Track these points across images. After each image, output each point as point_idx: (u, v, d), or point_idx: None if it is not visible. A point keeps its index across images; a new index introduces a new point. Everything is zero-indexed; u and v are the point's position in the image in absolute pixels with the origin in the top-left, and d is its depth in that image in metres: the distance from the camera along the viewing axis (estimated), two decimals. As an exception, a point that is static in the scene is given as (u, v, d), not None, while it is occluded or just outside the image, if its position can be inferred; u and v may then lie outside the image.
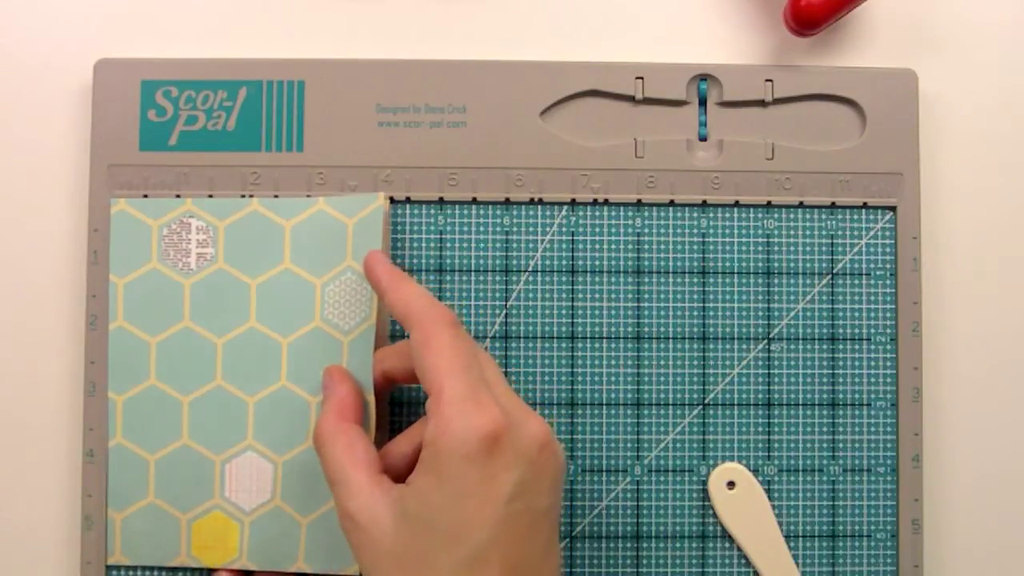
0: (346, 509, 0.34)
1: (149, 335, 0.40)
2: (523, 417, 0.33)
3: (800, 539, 0.41)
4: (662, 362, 0.41)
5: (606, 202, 0.42)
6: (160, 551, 0.40)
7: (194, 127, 0.41)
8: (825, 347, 0.42)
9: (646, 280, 0.42)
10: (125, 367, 0.40)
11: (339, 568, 0.40)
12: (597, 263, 0.42)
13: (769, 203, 0.42)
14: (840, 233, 0.42)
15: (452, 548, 0.32)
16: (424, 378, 0.34)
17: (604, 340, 0.41)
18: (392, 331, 0.41)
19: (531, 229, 0.42)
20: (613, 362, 0.41)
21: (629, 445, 0.41)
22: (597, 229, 0.42)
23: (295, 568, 0.40)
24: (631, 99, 0.42)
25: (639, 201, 0.42)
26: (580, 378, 0.41)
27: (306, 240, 0.41)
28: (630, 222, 0.42)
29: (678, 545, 0.41)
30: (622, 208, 0.42)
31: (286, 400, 0.40)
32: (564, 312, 0.41)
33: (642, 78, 0.42)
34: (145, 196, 0.41)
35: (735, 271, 0.42)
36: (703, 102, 0.42)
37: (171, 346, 0.40)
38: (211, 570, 0.40)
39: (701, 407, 0.41)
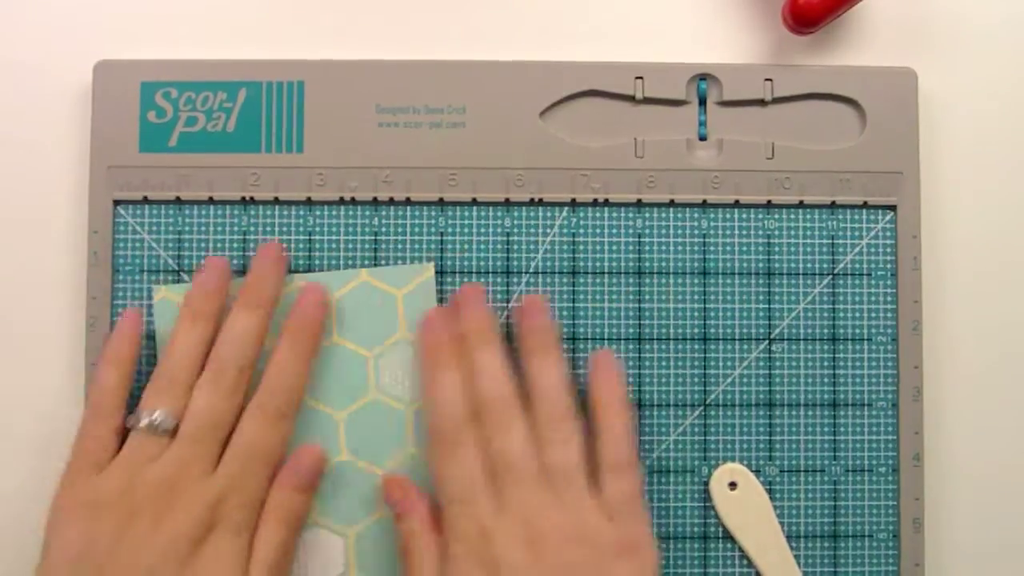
0: None
1: None
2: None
3: (802, 539, 0.41)
4: (663, 363, 0.41)
5: (606, 202, 0.42)
6: None
7: (194, 128, 0.41)
8: (826, 347, 0.41)
9: (647, 280, 0.42)
10: None
11: None
12: (598, 264, 0.42)
13: (769, 203, 0.42)
14: (840, 233, 0.42)
15: None
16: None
17: (605, 341, 0.41)
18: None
19: (531, 230, 0.42)
20: (614, 362, 0.41)
21: (630, 445, 0.41)
22: (597, 229, 0.42)
23: None
24: (631, 99, 0.42)
25: (639, 201, 0.42)
26: (581, 379, 0.41)
27: (354, 313, 0.41)
28: (630, 222, 0.42)
29: (680, 546, 0.41)
30: (622, 208, 0.42)
31: (350, 473, 0.40)
32: (565, 313, 0.41)
33: (642, 78, 0.42)
34: (145, 198, 0.41)
35: (736, 271, 0.42)
36: (703, 102, 0.42)
37: None
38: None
39: (702, 408, 0.41)
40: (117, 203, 0.41)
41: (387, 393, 0.40)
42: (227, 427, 0.38)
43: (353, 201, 0.41)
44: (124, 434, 0.38)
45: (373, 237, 0.41)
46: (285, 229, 0.41)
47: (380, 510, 0.40)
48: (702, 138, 0.42)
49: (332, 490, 0.40)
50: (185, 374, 0.38)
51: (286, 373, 0.38)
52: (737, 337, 0.41)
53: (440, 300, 0.40)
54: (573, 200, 0.41)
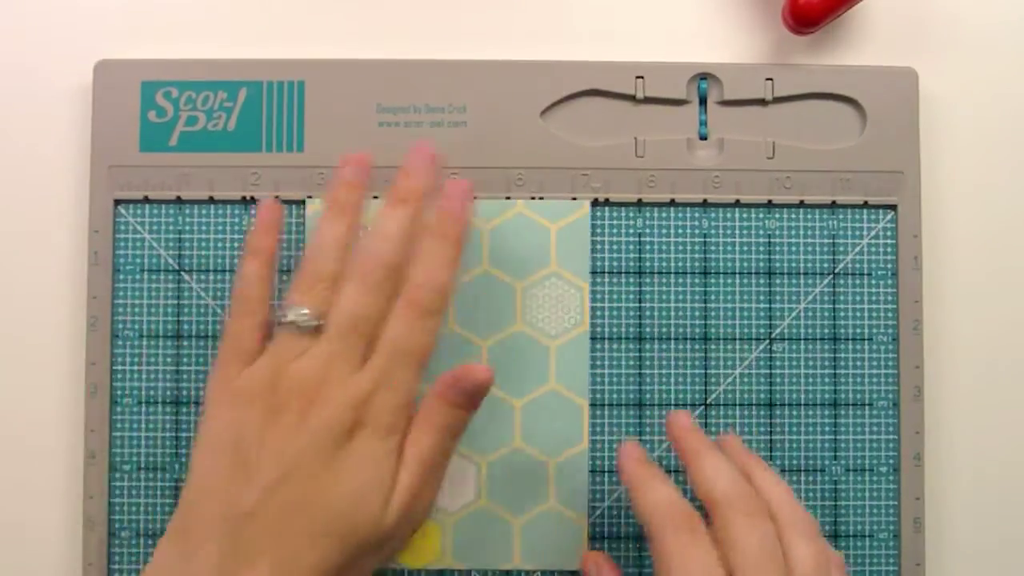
0: None
1: None
2: None
3: (802, 539, 0.41)
4: (664, 362, 0.41)
5: (607, 202, 0.42)
6: None
7: (194, 128, 0.41)
8: (827, 347, 0.41)
9: (647, 280, 0.42)
10: None
11: (561, 564, 0.40)
12: (598, 263, 0.42)
13: (770, 202, 0.42)
14: (841, 232, 0.42)
15: None
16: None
17: (605, 341, 0.41)
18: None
19: (532, 229, 0.42)
20: (614, 362, 0.41)
21: (631, 445, 0.41)
22: (598, 229, 0.42)
23: (512, 567, 0.40)
24: (631, 98, 0.42)
25: (639, 201, 0.42)
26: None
27: (506, 243, 0.41)
28: (630, 222, 0.42)
29: (680, 545, 0.41)
30: (622, 208, 0.42)
31: (488, 402, 0.40)
32: (565, 312, 0.41)
33: (642, 77, 0.42)
34: (146, 197, 0.41)
35: (736, 271, 0.42)
36: (703, 101, 0.42)
37: None
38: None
39: (703, 407, 0.41)
40: (118, 203, 0.41)
41: (533, 326, 0.41)
42: (374, 324, 0.36)
43: (354, 200, 0.41)
44: (270, 328, 0.37)
45: (374, 237, 0.41)
46: (286, 228, 0.41)
47: (515, 441, 0.40)
48: (703, 138, 0.42)
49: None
50: (330, 269, 0.36)
51: (433, 267, 0.36)
52: (738, 337, 0.41)
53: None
54: (574, 200, 0.41)
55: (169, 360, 0.41)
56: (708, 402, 0.41)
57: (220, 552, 0.33)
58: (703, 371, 0.41)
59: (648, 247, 0.42)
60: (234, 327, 0.37)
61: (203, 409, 0.36)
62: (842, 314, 0.42)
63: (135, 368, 0.41)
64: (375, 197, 0.41)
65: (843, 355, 0.41)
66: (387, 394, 0.35)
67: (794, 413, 0.41)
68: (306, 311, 0.35)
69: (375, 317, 0.36)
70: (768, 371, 0.41)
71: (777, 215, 0.42)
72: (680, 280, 0.42)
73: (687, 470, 0.35)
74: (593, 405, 0.41)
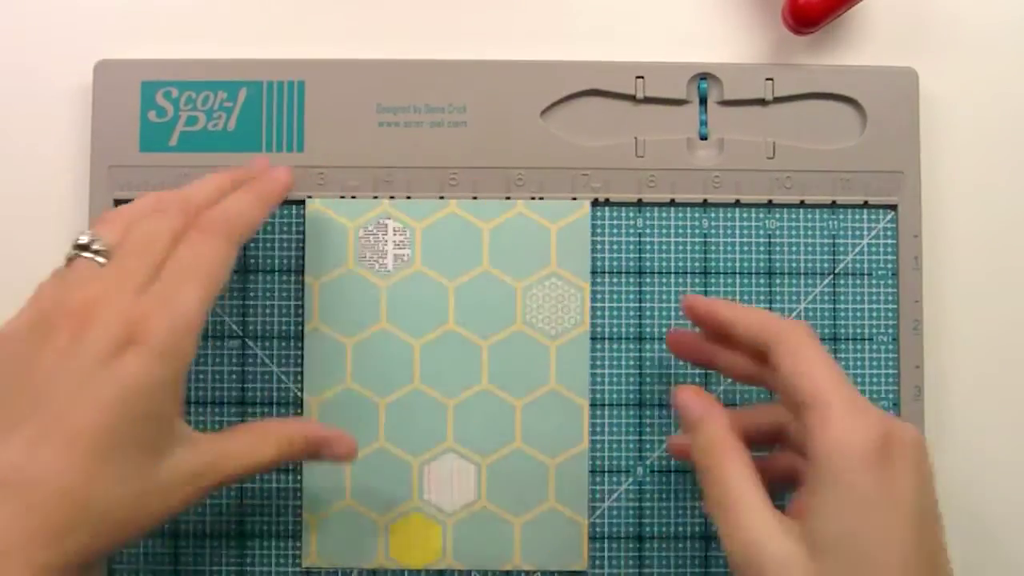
0: (746, 541, 0.31)
1: (345, 337, 0.41)
2: (895, 421, 0.32)
3: (803, 539, 0.41)
4: (664, 362, 0.41)
5: (607, 201, 0.42)
6: (357, 553, 0.40)
7: (194, 128, 0.41)
8: (827, 347, 0.41)
9: (647, 280, 0.42)
10: (321, 370, 0.41)
11: (562, 564, 0.40)
12: (598, 263, 0.42)
13: (770, 202, 0.42)
14: (841, 232, 0.42)
15: (868, 571, 0.30)
16: (798, 391, 0.32)
17: (606, 340, 0.41)
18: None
19: (532, 229, 0.42)
20: (615, 362, 0.41)
21: (632, 445, 0.41)
22: (598, 229, 0.42)
23: (512, 567, 0.40)
24: (631, 98, 0.42)
25: (640, 201, 0.42)
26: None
27: (506, 243, 0.41)
28: (631, 222, 0.42)
29: (680, 545, 0.41)
30: (623, 208, 0.42)
31: (489, 402, 0.40)
32: (565, 312, 0.41)
33: (642, 77, 0.42)
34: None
35: (736, 271, 0.42)
36: (703, 101, 0.42)
37: (368, 348, 0.40)
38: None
39: (703, 407, 0.41)
40: (118, 203, 0.41)
41: (533, 327, 0.40)
42: (165, 249, 0.34)
43: (353, 199, 0.41)
44: None
45: (374, 237, 0.41)
46: (286, 228, 0.41)
47: (515, 442, 0.40)
48: (703, 138, 0.42)
49: (470, 417, 0.40)
50: (135, 212, 0.35)
51: (230, 202, 0.36)
52: (738, 337, 0.41)
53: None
54: (574, 200, 0.41)
55: (169, 360, 0.41)
56: (708, 402, 0.41)
57: None
58: (704, 371, 0.41)
59: (648, 247, 0.42)
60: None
61: None
62: (842, 314, 0.42)
63: (135, 368, 0.41)
64: (375, 198, 0.41)
65: (843, 355, 0.41)
66: (163, 313, 0.32)
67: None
68: (95, 234, 0.34)
69: (165, 240, 0.34)
70: (768, 371, 0.41)
71: (777, 215, 0.42)
72: (680, 280, 0.42)
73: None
74: (593, 405, 0.41)
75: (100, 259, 0.34)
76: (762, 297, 0.41)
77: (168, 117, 0.41)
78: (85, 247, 0.34)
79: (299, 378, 0.41)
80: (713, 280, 0.42)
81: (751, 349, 0.35)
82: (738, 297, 0.41)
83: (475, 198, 0.41)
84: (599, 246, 0.42)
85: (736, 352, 0.36)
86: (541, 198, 0.41)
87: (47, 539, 0.30)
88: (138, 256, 0.33)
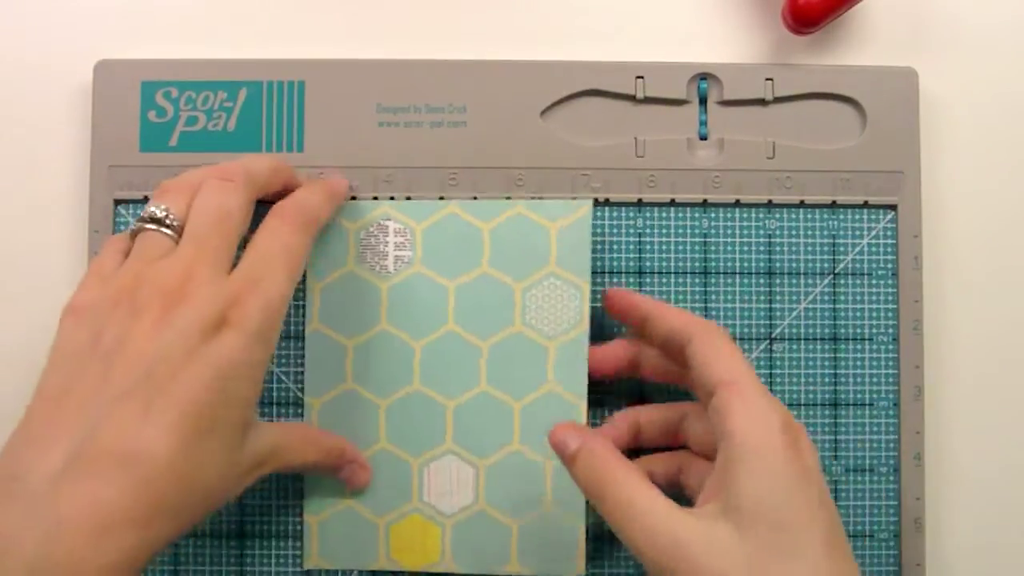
0: (664, 542, 0.31)
1: (346, 338, 0.41)
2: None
3: (803, 539, 0.41)
4: (663, 362, 0.41)
5: (607, 201, 0.42)
6: (358, 554, 0.40)
7: (194, 128, 0.41)
8: (827, 347, 0.41)
9: (647, 280, 0.42)
10: (321, 371, 0.40)
11: (560, 570, 0.40)
12: (598, 263, 0.42)
13: (770, 202, 0.42)
14: (842, 232, 0.42)
15: (785, 543, 0.31)
16: (714, 372, 0.34)
17: (605, 340, 0.41)
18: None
19: (532, 229, 0.42)
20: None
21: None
22: (598, 229, 0.42)
23: (508, 571, 0.40)
24: (631, 98, 0.42)
25: (640, 200, 0.42)
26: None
27: (505, 244, 0.41)
28: (631, 221, 0.42)
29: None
30: (623, 208, 0.42)
31: (488, 404, 0.40)
32: (565, 312, 0.41)
33: (642, 77, 0.42)
34: (146, 197, 0.41)
35: (736, 271, 0.42)
36: (703, 101, 0.42)
37: (368, 349, 0.40)
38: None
39: (703, 407, 0.41)
40: (118, 203, 0.41)
41: (531, 327, 0.40)
42: (237, 225, 0.34)
43: (354, 200, 0.41)
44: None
45: (374, 237, 0.41)
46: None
47: (513, 443, 0.40)
48: (703, 138, 0.42)
49: (469, 419, 0.40)
50: (192, 180, 0.35)
51: (302, 193, 0.37)
52: (738, 336, 0.41)
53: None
54: (574, 200, 0.41)
55: (169, 360, 0.41)
56: (708, 402, 0.41)
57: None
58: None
59: (648, 247, 0.42)
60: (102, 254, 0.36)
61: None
62: (842, 314, 0.42)
63: (135, 368, 0.41)
64: (375, 198, 0.41)
65: (843, 355, 0.41)
66: (256, 297, 0.33)
67: (794, 413, 0.41)
68: (166, 207, 0.34)
69: (237, 217, 0.34)
70: (768, 371, 0.41)
71: (777, 215, 0.42)
72: (680, 280, 0.42)
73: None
74: (595, 406, 0.41)
75: (171, 232, 0.34)
76: (762, 297, 0.42)
77: (168, 117, 0.41)
78: (160, 221, 0.34)
79: (300, 379, 0.41)
80: (713, 280, 0.42)
81: (668, 346, 0.37)
82: (738, 297, 0.41)
83: (475, 198, 0.41)
84: (599, 246, 0.42)
85: (653, 348, 0.38)
86: (541, 198, 0.41)
87: (149, 516, 0.30)
88: (217, 233, 0.34)
